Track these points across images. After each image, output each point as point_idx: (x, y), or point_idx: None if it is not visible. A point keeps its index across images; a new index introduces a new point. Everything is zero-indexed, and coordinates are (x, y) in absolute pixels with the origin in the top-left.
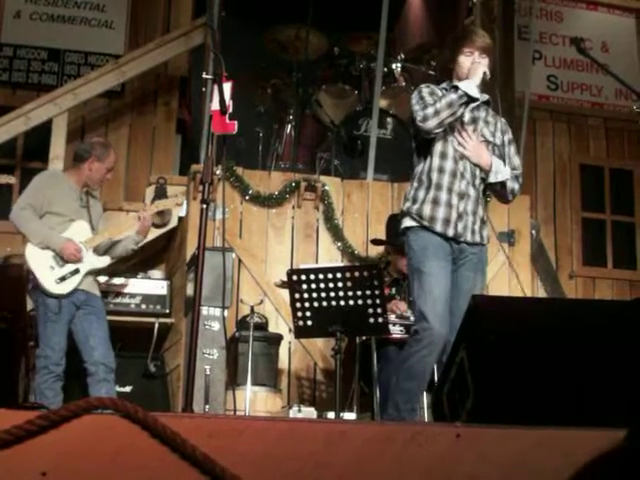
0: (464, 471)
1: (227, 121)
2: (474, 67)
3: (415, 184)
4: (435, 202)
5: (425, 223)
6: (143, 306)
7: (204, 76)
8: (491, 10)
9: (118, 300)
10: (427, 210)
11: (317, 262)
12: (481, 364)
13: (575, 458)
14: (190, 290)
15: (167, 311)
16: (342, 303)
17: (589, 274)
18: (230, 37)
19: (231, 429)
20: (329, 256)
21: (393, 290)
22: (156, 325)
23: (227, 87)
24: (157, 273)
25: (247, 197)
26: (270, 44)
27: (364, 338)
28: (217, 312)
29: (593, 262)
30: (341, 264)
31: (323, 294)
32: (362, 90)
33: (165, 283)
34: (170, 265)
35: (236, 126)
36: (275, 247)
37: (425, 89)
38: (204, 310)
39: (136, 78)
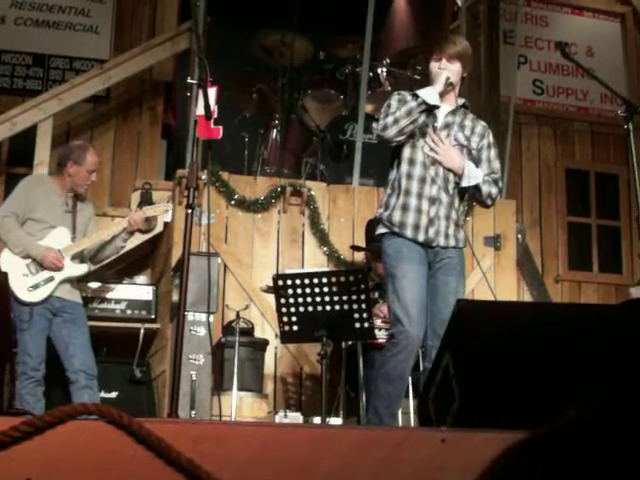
0: (450, 475)
1: (212, 126)
2: (437, 73)
3: (388, 191)
4: (404, 208)
5: (396, 229)
6: (129, 312)
7: (189, 81)
8: (476, 15)
9: (103, 306)
10: (397, 216)
11: (303, 267)
12: (466, 368)
13: None
14: (176, 295)
15: (153, 316)
16: (328, 308)
17: (575, 278)
18: (216, 42)
19: (216, 434)
20: (315, 261)
21: (376, 294)
22: (142, 331)
23: (212, 92)
24: (143, 278)
25: (233, 202)
26: (256, 49)
27: (350, 343)
28: (203, 317)
29: (579, 266)
30: (327, 269)
31: (309, 299)
32: (348, 95)
33: (151, 288)
34: (156, 270)
35: (221, 131)
36: (261, 252)
37: (395, 96)
38: (190, 315)
39: (121, 83)
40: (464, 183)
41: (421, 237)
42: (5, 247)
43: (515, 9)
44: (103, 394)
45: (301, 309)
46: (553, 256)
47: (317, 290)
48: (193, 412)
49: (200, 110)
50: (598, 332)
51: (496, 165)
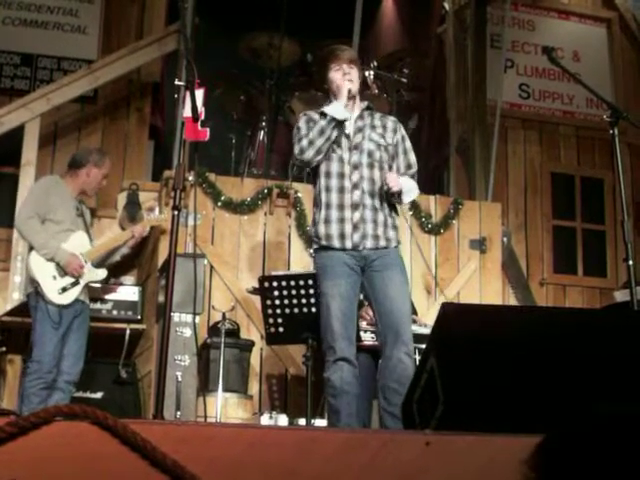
0: (434, 478)
1: (199, 128)
2: (339, 88)
3: (315, 207)
4: (327, 221)
5: (323, 242)
6: (115, 312)
7: (176, 83)
8: (464, 19)
9: (90, 306)
10: (322, 229)
11: (289, 269)
12: (451, 371)
13: None
14: (161, 296)
15: (139, 317)
16: (313, 310)
17: (560, 281)
18: (203, 44)
19: (201, 436)
20: (301, 263)
21: (361, 296)
22: (127, 331)
23: (199, 94)
24: (129, 279)
25: (219, 203)
26: (243, 51)
27: None
28: (188, 318)
29: (564, 270)
30: (313, 271)
31: (295, 301)
32: None
33: (137, 289)
34: (142, 271)
35: (208, 133)
36: (247, 254)
37: (302, 118)
38: (175, 316)
39: (109, 84)
40: (406, 199)
41: (348, 244)
42: (33, 249)
43: (502, 13)
44: (89, 394)
45: (287, 311)
46: (538, 259)
47: (303, 292)
48: (178, 413)
49: (187, 112)
50: (582, 336)
51: (412, 158)
